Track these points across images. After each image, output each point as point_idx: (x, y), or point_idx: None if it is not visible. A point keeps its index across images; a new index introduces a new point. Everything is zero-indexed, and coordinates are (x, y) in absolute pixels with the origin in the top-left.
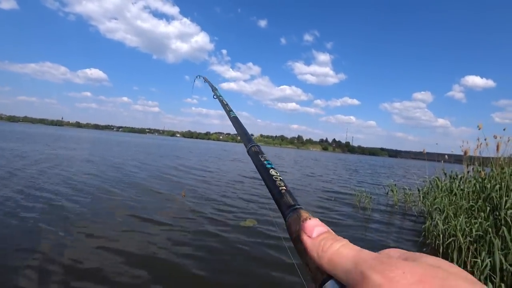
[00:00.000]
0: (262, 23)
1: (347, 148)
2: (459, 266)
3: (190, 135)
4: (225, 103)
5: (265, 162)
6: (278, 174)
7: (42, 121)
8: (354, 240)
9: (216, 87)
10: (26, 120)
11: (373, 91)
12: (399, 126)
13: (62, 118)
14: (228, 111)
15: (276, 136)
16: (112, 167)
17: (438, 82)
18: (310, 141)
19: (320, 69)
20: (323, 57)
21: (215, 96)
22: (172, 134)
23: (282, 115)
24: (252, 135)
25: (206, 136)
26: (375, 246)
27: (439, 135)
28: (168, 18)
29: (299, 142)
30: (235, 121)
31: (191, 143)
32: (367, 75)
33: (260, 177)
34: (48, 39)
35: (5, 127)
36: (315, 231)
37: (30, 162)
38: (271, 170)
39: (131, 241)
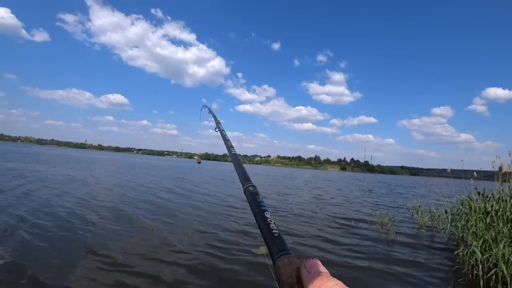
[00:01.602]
0: (276, 46)
1: (366, 167)
2: None
3: (207, 157)
4: (227, 138)
5: (260, 203)
6: (272, 218)
7: (67, 144)
8: (376, 273)
9: (220, 121)
10: (53, 143)
11: (390, 108)
12: (419, 143)
13: (85, 141)
14: (229, 147)
15: (293, 157)
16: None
17: (458, 95)
18: (327, 161)
19: (335, 88)
20: (338, 76)
21: (217, 129)
22: (190, 156)
23: (298, 135)
24: (269, 156)
25: (223, 158)
26: (403, 274)
27: (462, 151)
28: (185, 44)
29: (316, 162)
30: (235, 158)
31: (212, 165)
32: (382, 92)
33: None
34: (75, 67)
35: (38, 149)
36: (315, 268)
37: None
38: (266, 212)
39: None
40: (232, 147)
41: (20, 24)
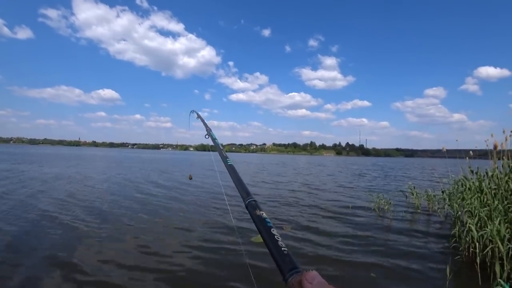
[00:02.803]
0: (266, 32)
1: (361, 151)
2: (504, 279)
3: (203, 148)
4: (221, 147)
5: (265, 220)
6: (278, 234)
7: (60, 142)
8: (377, 249)
9: (210, 128)
10: (46, 142)
11: (383, 91)
12: (413, 124)
13: (79, 139)
14: (224, 158)
15: (288, 144)
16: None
17: (450, 76)
18: (323, 147)
19: (327, 73)
20: (330, 61)
21: (207, 136)
22: (185, 148)
23: (292, 122)
24: (264, 144)
25: None
26: (401, 253)
27: (456, 131)
28: (174, 35)
29: (311, 148)
30: (232, 170)
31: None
32: (375, 75)
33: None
34: (62, 64)
35: (30, 149)
36: (315, 280)
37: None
38: (272, 229)
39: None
40: (228, 157)
41: (1, 22)
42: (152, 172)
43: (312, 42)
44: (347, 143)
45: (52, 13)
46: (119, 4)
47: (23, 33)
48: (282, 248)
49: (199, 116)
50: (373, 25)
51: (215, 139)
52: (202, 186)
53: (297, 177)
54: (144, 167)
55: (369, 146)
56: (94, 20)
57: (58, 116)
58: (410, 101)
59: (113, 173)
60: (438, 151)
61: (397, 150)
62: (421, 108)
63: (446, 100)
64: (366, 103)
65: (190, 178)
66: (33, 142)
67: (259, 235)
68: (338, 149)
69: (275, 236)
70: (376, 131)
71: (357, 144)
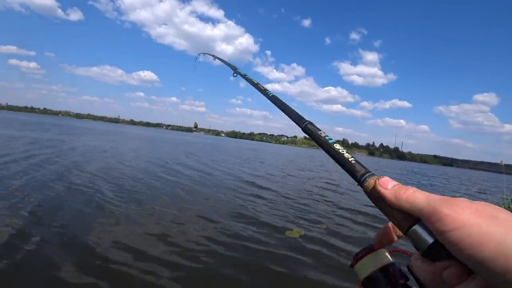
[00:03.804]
0: (306, 22)
1: (395, 154)
2: None
3: (234, 134)
4: (255, 81)
5: (326, 137)
6: (343, 147)
7: (102, 118)
8: None
9: (236, 66)
10: (89, 117)
11: (426, 92)
12: (456, 131)
13: (118, 116)
14: (264, 90)
15: None
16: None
17: (505, 82)
18: (355, 145)
19: (367, 69)
20: (371, 56)
21: (235, 74)
22: (217, 133)
23: (326, 117)
24: (295, 137)
25: (250, 136)
26: None
27: (506, 143)
28: (213, 21)
29: (343, 145)
30: (277, 100)
31: (238, 143)
32: (419, 75)
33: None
34: (107, 45)
35: (75, 123)
36: (389, 184)
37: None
38: (335, 144)
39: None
40: (267, 89)
41: (56, 4)
42: (185, 155)
43: (354, 35)
44: (381, 144)
45: None
46: None
47: (75, 15)
48: (350, 159)
49: (215, 57)
50: (422, 23)
51: (246, 74)
52: (230, 174)
53: (326, 173)
54: (175, 149)
55: (404, 149)
56: (138, 4)
57: (101, 94)
58: (456, 106)
59: (145, 151)
60: (482, 163)
61: (435, 157)
62: (467, 114)
63: (497, 108)
64: (405, 103)
65: (195, 127)
66: (78, 116)
67: (294, 230)
68: (371, 149)
69: (340, 150)
70: (413, 135)
71: (392, 146)
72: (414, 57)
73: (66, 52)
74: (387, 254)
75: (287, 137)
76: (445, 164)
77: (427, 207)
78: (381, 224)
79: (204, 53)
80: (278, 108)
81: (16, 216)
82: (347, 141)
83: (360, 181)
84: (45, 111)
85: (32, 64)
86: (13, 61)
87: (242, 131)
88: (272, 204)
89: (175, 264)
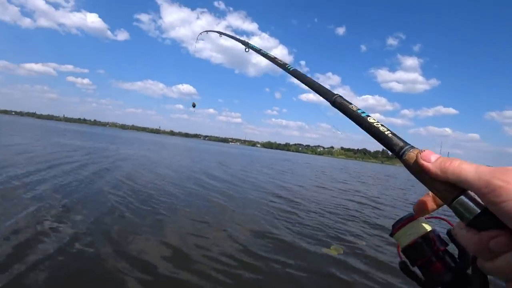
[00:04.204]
0: (340, 30)
1: None
2: None
3: (269, 145)
4: (271, 56)
5: (358, 111)
6: (377, 120)
7: (144, 129)
8: None
9: (248, 41)
10: (133, 128)
11: (475, 97)
12: None
13: (159, 127)
14: (283, 65)
15: (357, 150)
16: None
17: None
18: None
19: (407, 75)
20: (411, 61)
21: (247, 49)
22: (253, 144)
23: None
24: (332, 147)
25: (286, 147)
26: None
27: None
28: (248, 34)
29: (383, 156)
30: (299, 74)
31: (291, 156)
32: (466, 79)
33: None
34: (150, 61)
35: (120, 133)
36: (432, 157)
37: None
38: (369, 117)
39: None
40: (287, 63)
41: (106, 27)
42: (216, 165)
43: (391, 41)
44: None
45: (144, 17)
46: (199, 6)
47: (122, 35)
48: (386, 132)
49: (221, 33)
50: (465, 24)
51: (260, 49)
52: (261, 185)
53: (362, 186)
54: (208, 158)
55: None
56: (177, 22)
57: (144, 106)
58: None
59: (178, 161)
60: None
61: None
62: None
63: None
64: (451, 110)
65: (194, 106)
66: (123, 127)
67: (333, 246)
68: None
69: (375, 123)
70: (461, 144)
71: None
72: (459, 60)
73: (114, 69)
74: (427, 222)
75: (323, 147)
76: None
77: (477, 179)
78: None
79: (207, 31)
80: (303, 83)
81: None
82: (387, 152)
83: (399, 154)
84: (95, 122)
85: (86, 81)
86: (70, 78)
87: (277, 142)
88: (305, 219)
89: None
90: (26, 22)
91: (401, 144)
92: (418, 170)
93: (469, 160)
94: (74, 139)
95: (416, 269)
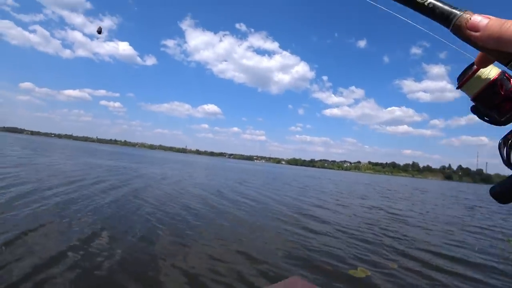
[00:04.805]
0: (361, 43)
1: (479, 177)
2: None
3: (294, 162)
4: None
5: None
6: None
7: (171, 149)
8: None
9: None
10: (161, 147)
11: None
12: None
13: (186, 146)
14: None
15: (386, 163)
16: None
17: None
18: (428, 169)
19: (434, 84)
20: (437, 69)
21: None
22: (278, 161)
23: (391, 139)
24: (359, 162)
25: (311, 163)
26: None
27: None
28: (269, 53)
29: (414, 169)
30: None
31: (317, 172)
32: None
33: None
34: (176, 84)
35: (148, 153)
36: (480, 25)
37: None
38: None
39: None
40: None
41: (135, 53)
42: (237, 182)
43: (415, 50)
44: (460, 166)
45: (170, 43)
46: (222, 29)
47: (150, 61)
48: (427, 2)
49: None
50: None
51: None
52: (283, 203)
53: (390, 202)
54: (232, 176)
55: (490, 171)
56: (201, 45)
57: (171, 127)
58: None
59: (202, 178)
60: None
61: None
62: None
63: None
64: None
65: (99, 32)
66: (151, 147)
67: (359, 269)
68: (447, 173)
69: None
70: None
71: (473, 168)
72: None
73: (143, 92)
74: (490, 69)
75: (350, 163)
76: None
77: None
78: (462, 268)
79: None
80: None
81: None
82: (418, 165)
83: (448, 20)
84: (125, 143)
85: (117, 104)
86: (103, 102)
87: (302, 158)
88: (329, 238)
89: None
90: (67, 53)
91: (449, 9)
92: (467, 40)
93: None
94: (103, 159)
95: (490, 112)
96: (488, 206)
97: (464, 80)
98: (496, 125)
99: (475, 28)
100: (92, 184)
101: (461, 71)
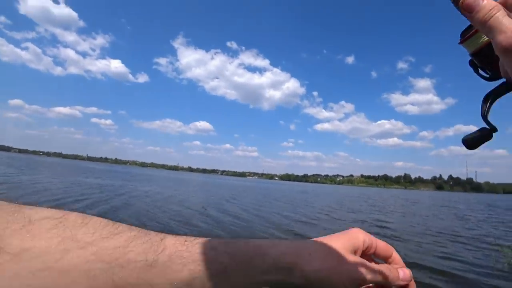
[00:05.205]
0: (350, 59)
1: (469, 186)
2: None
3: (287, 177)
4: None
5: None
6: None
7: (163, 166)
8: None
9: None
10: (152, 165)
11: (498, 110)
12: None
13: (178, 164)
14: None
15: (378, 176)
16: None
17: None
18: (419, 180)
19: (421, 97)
20: (423, 83)
21: None
22: (271, 177)
23: (383, 152)
24: (351, 175)
25: (304, 178)
26: None
27: None
28: (260, 70)
29: (406, 181)
30: None
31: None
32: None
33: None
34: (168, 101)
35: (139, 171)
36: (475, 6)
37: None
38: None
39: None
40: None
41: (127, 71)
42: (226, 199)
43: (401, 65)
44: (450, 176)
45: (162, 60)
46: (213, 47)
47: (142, 78)
48: None
49: None
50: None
51: None
52: (270, 220)
53: (381, 215)
54: (223, 193)
55: (480, 179)
56: (193, 63)
57: (163, 144)
58: None
59: (191, 196)
60: None
61: None
62: None
63: None
64: (472, 127)
65: None
66: (143, 165)
67: None
68: (438, 183)
69: None
70: (489, 162)
71: (463, 177)
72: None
73: (135, 109)
74: None
75: (342, 176)
76: None
77: None
78: (455, 280)
79: None
80: None
81: None
82: (409, 176)
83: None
84: (116, 161)
85: (108, 121)
86: (94, 120)
87: (295, 174)
88: None
89: None
90: (58, 70)
91: None
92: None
93: (499, 177)
94: (91, 177)
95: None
96: (478, 215)
97: (466, 37)
98: (487, 80)
99: (469, 9)
100: (73, 202)
101: (464, 28)
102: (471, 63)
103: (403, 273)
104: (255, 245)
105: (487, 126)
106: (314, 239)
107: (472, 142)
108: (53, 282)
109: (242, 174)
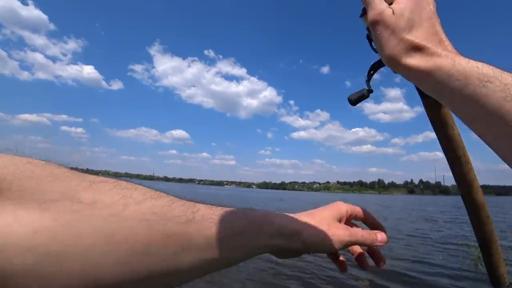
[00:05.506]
0: (325, 69)
1: (438, 189)
2: None
3: (265, 185)
4: None
5: None
6: None
7: (138, 176)
8: None
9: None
10: (127, 175)
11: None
12: None
13: (153, 173)
14: None
15: (354, 182)
16: None
17: None
18: (393, 185)
19: (392, 105)
20: (394, 92)
21: None
22: (248, 185)
23: (357, 159)
24: (328, 182)
25: (281, 186)
26: None
27: None
28: (237, 79)
29: (380, 186)
30: None
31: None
32: None
33: None
34: (143, 109)
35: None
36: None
37: None
38: None
39: None
40: None
41: (101, 77)
42: None
43: (374, 75)
44: (421, 180)
45: (138, 67)
46: (190, 55)
47: (116, 85)
48: None
49: None
50: None
51: None
52: None
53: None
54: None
55: (447, 183)
56: (170, 71)
57: (137, 153)
58: None
59: None
60: None
61: (485, 187)
62: None
63: None
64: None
65: None
66: (116, 175)
67: None
68: (410, 187)
69: None
70: None
71: (432, 181)
72: None
73: (108, 117)
74: None
75: (319, 183)
76: (499, 194)
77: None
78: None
79: None
80: None
81: None
82: (383, 181)
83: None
84: (87, 171)
85: (79, 130)
86: (64, 128)
87: (273, 182)
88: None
89: None
90: (24, 75)
91: None
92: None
93: None
94: None
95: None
96: (445, 217)
97: (363, 13)
98: (376, 53)
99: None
100: None
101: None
102: (368, 37)
103: (381, 236)
104: (264, 214)
105: (367, 88)
106: (307, 211)
107: (354, 100)
108: (120, 226)
109: (220, 183)
